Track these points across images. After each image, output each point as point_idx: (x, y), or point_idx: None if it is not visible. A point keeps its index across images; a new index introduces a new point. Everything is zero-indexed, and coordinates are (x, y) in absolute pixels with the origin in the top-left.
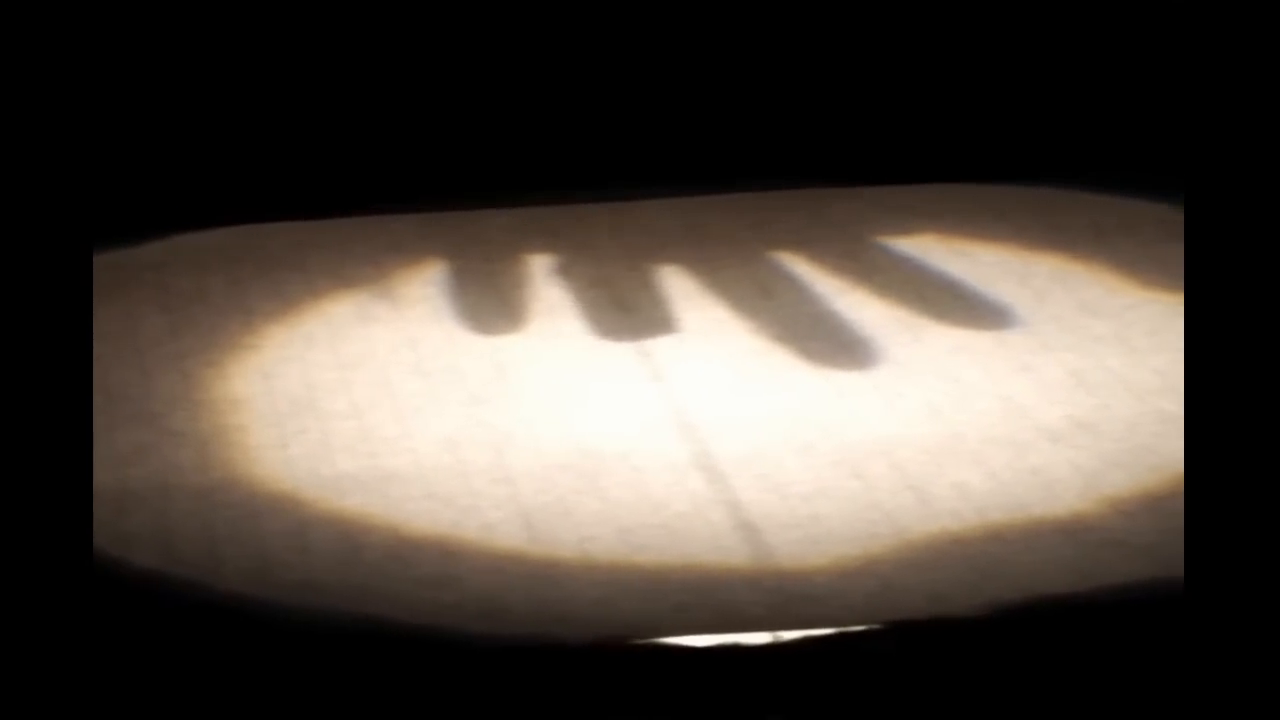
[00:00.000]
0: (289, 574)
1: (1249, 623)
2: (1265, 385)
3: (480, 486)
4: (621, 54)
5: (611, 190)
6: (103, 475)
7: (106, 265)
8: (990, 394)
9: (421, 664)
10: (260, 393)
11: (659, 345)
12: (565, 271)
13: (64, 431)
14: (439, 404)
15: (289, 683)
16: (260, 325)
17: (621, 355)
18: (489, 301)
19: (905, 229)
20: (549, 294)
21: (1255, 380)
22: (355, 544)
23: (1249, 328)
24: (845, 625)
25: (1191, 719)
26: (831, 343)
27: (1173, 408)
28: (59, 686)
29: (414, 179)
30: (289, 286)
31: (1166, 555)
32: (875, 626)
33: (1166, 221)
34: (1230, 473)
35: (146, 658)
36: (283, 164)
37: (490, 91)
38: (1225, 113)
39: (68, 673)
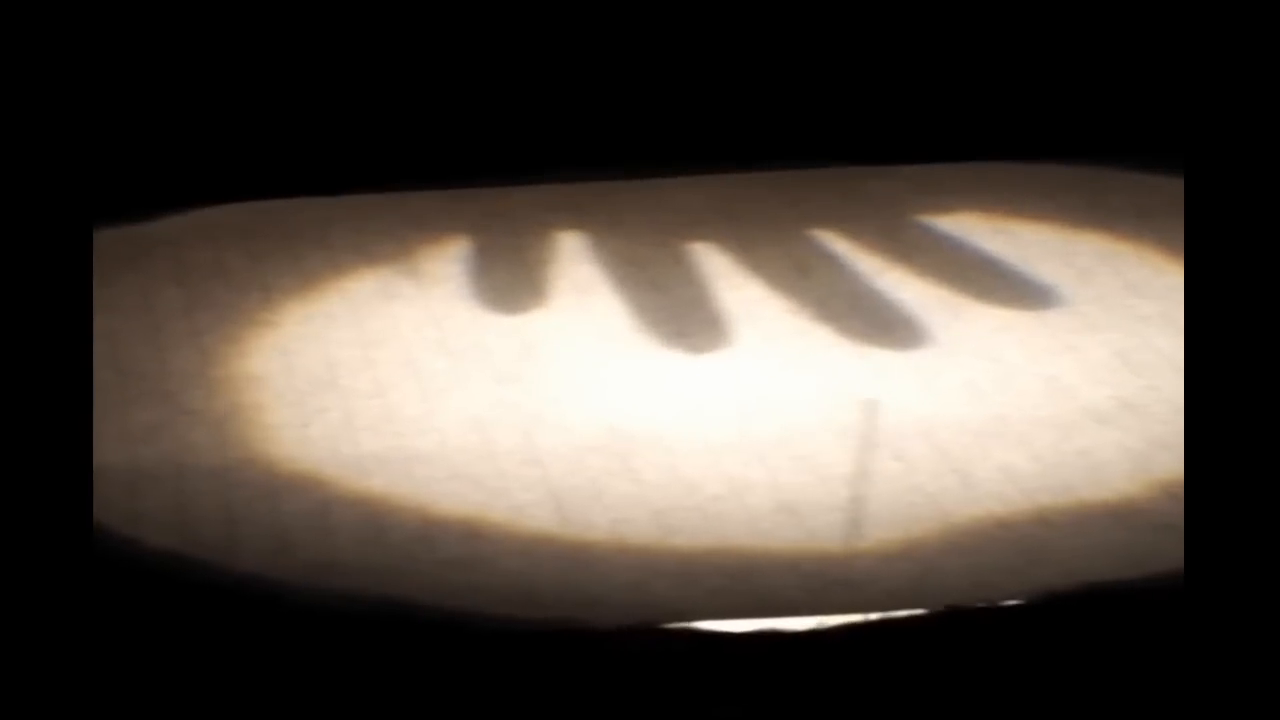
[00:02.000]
0: (310, 555)
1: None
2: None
3: (508, 467)
4: (652, 29)
5: (640, 167)
6: (116, 454)
7: (122, 239)
8: (1034, 374)
9: (447, 648)
10: (279, 370)
11: (692, 325)
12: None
13: (65, 411)
14: (465, 383)
15: (308, 666)
16: (280, 301)
17: (653, 335)
18: (516, 279)
19: (945, 207)
20: (578, 272)
21: (1256, 370)
22: (379, 525)
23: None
24: (888, 610)
25: (1246, 705)
26: (871, 322)
27: None
28: (71, 670)
29: (438, 154)
30: (309, 262)
31: None
32: (919, 612)
33: None
34: (1232, 466)
35: (161, 640)
36: (304, 138)
37: (516, 66)
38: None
39: (80, 655)
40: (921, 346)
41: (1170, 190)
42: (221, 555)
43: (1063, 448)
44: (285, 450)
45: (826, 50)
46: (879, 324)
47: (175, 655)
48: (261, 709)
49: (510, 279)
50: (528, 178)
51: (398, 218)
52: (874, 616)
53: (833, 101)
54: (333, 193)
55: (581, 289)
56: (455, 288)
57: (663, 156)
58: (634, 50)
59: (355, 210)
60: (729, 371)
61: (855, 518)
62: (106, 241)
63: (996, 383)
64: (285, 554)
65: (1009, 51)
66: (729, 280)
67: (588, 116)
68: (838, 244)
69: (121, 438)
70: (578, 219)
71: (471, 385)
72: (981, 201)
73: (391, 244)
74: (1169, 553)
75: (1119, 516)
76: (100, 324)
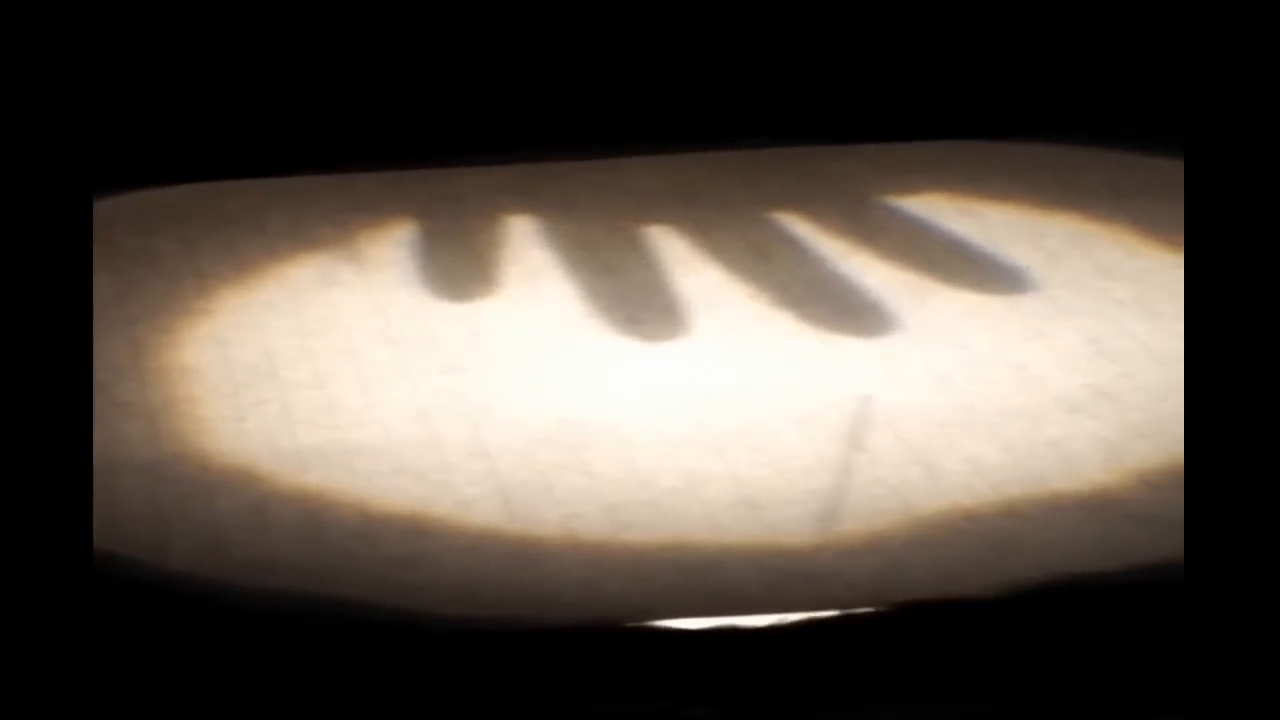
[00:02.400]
0: (244, 553)
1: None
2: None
3: (454, 461)
4: (604, 4)
5: (593, 147)
6: None
7: None
8: (1003, 362)
9: (389, 649)
10: (215, 361)
11: (647, 311)
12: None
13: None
14: (409, 373)
15: (243, 669)
16: (215, 289)
17: (607, 322)
18: (463, 264)
19: (910, 188)
20: (528, 257)
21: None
22: (317, 521)
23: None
24: (850, 607)
25: (1222, 702)
26: (833, 308)
27: None
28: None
29: (380, 134)
30: (246, 248)
31: None
32: (882, 608)
33: None
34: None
35: (89, 641)
36: (240, 118)
37: (462, 42)
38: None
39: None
40: (887, 334)
41: (1144, 168)
42: (153, 554)
43: (1033, 438)
44: (220, 444)
45: (785, 26)
46: (842, 310)
47: (104, 658)
48: (194, 712)
49: (457, 264)
50: (475, 158)
51: (338, 201)
52: (835, 612)
53: (792, 79)
54: (269, 175)
55: (532, 274)
56: (399, 274)
57: (616, 136)
58: (585, 26)
59: (293, 193)
60: (686, 360)
61: (831, 508)
62: None
63: (964, 371)
64: (219, 552)
65: (974, 25)
66: (686, 265)
67: (537, 95)
68: (799, 227)
69: None
70: (527, 201)
71: (416, 375)
72: (947, 182)
73: (332, 228)
74: (1144, 544)
75: (1092, 508)
76: None
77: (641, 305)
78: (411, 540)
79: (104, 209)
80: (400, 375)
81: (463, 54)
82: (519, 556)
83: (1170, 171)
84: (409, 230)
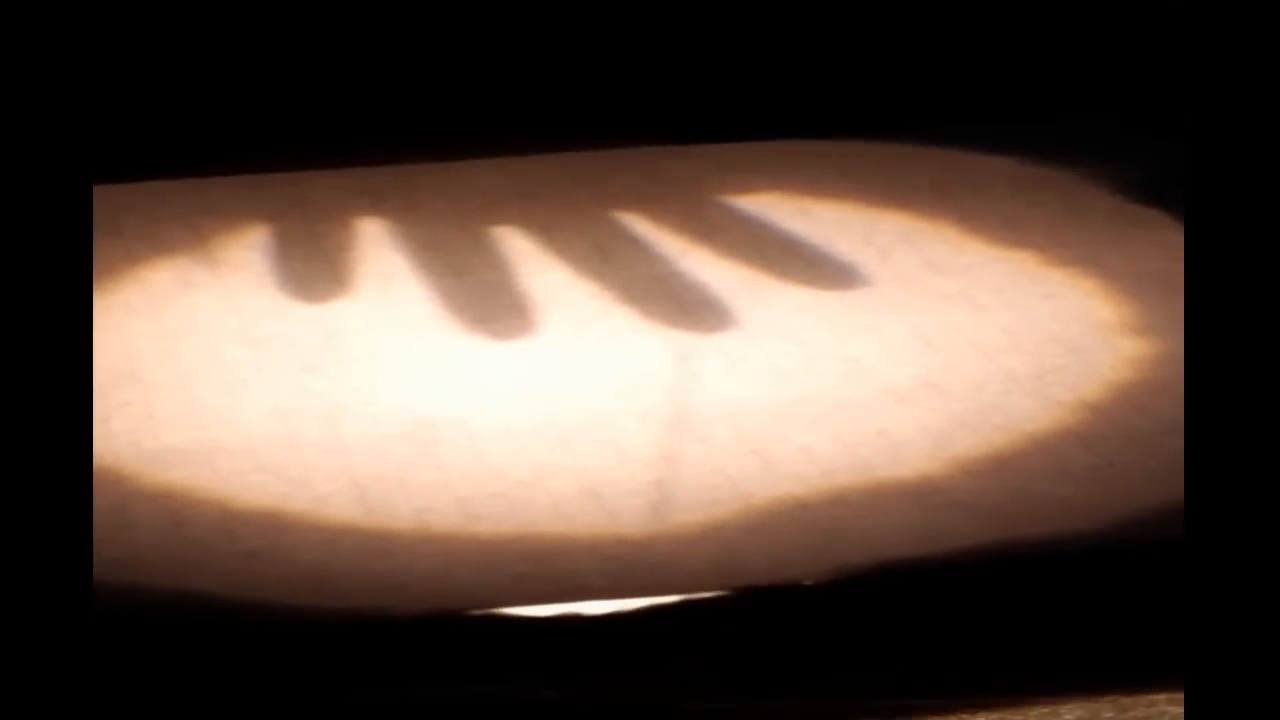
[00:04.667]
0: (107, 550)
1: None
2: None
3: (312, 458)
4: (443, 8)
5: (436, 149)
6: None
7: None
8: (835, 355)
9: (247, 638)
10: None
11: (495, 310)
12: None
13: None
14: (268, 373)
15: (108, 662)
16: None
17: (457, 321)
18: (316, 266)
19: (745, 187)
20: (378, 258)
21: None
22: (179, 518)
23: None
24: (687, 592)
25: (1041, 679)
26: (673, 305)
27: (1020, 366)
28: None
29: (229, 139)
30: (103, 252)
31: (1014, 516)
32: (718, 593)
33: (1012, 177)
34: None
35: None
36: (91, 122)
37: (305, 49)
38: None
39: None
40: (725, 329)
41: (967, 165)
42: None
43: (863, 428)
44: None
45: (619, 27)
46: (682, 307)
47: None
48: (58, 708)
49: (310, 266)
50: (323, 162)
51: (191, 204)
52: (674, 598)
53: (629, 81)
54: (124, 179)
55: (383, 275)
56: (254, 276)
57: (458, 138)
58: (424, 30)
59: (148, 197)
60: (533, 357)
61: (662, 500)
62: None
63: (799, 364)
64: None
65: (802, 26)
66: (531, 264)
67: (381, 98)
68: (639, 226)
69: None
70: (376, 204)
71: (275, 375)
72: (781, 181)
73: (186, 232)
74: (964, 529)
75: (915, 495)
76: None
77: (490, 304)
78: (269, 535)
79: None
80: (259, 375)
81: (307, 63)
82: (373, 549)
83: (994, 168)
84: (262, 233)
